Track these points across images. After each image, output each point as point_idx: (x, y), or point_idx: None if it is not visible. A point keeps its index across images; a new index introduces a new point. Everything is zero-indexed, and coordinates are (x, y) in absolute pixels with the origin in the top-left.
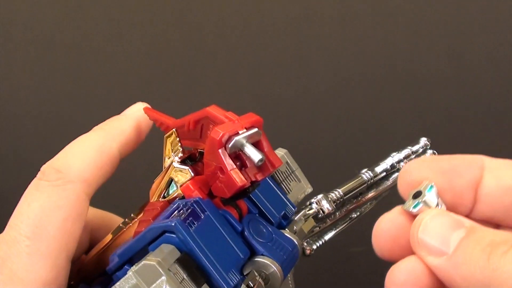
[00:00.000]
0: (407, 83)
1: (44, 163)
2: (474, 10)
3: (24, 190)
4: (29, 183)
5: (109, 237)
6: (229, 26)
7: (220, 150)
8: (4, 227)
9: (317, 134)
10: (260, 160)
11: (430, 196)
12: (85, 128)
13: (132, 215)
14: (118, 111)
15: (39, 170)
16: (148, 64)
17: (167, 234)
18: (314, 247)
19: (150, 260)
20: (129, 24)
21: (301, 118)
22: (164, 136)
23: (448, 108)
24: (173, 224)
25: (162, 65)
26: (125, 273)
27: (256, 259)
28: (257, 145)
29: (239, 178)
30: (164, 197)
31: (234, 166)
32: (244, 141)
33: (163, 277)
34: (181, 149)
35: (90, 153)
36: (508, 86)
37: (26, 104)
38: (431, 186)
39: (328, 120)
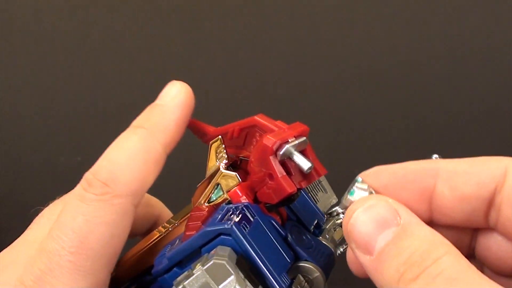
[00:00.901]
0: (419, 90)
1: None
2: (474, 12)
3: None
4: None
5: (147, 240)
6: (229, 27)
7: (271, 157)
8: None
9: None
10: (309, 168)
11: (360, 184)
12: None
13: (171, 219)
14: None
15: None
16: (147, 63)
17: (222, 236)
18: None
19: (218, 259)
20: (129, 24)
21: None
22: (210, 143)
23: (451, 111)
24: (229, 227)
25: (161, 65)
26: (175, 276)
27: (300, 264)
28: (303, 153)
29: (289, 185)
30: (209, 201)
31: (284, 173)
32: (293, 150)
33: (232, 276)
34: (226, 156)
35: (137, 161)
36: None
37: (25, 103)
38: (357, 179)
39: (341, 130)
